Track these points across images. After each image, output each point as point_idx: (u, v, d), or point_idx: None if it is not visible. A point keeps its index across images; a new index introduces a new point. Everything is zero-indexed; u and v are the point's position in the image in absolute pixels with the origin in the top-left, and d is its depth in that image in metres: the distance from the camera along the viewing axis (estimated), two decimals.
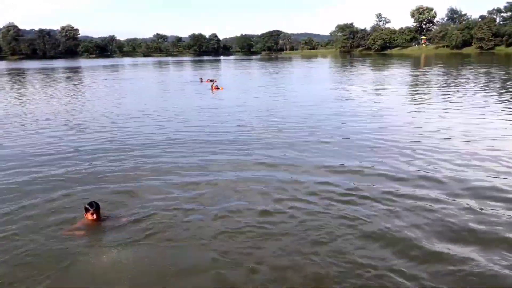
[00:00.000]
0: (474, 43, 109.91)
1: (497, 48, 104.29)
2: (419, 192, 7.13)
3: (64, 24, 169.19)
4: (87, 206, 6.02)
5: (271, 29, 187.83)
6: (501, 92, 21.36)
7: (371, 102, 19.29)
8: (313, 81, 33.46)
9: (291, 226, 5.97)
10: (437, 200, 6.74)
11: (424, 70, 43.00)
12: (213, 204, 6.79)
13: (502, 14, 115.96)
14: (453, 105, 17.25)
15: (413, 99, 20.57)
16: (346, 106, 17.91)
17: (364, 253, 5.14)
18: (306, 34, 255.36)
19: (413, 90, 24.78)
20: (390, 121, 13.98)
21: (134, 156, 9.96)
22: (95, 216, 5.99)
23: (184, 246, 5.51)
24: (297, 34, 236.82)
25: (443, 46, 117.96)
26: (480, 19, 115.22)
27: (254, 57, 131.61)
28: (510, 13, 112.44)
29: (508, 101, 18.04)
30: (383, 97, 21.41)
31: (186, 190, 7.52)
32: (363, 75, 39.06)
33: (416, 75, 35.95)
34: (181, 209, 6.61)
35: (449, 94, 21.29)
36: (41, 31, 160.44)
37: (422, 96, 21.06)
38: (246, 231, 5.82)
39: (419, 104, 18.41)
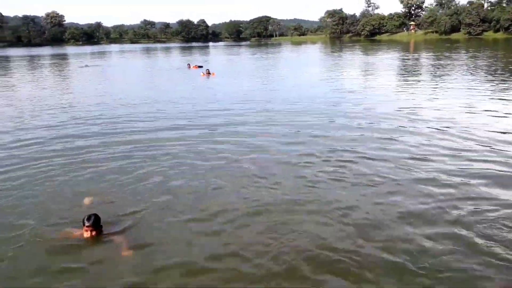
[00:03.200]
0: (463, 29, 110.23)
1: (485, 33, 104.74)
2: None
3: (49, 10, 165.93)
4: (84, 219, 5.10)
5: (260, 15, 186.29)
6: (489, 77, 21.43)
7: (363, 85, 19.35)
8: (304, 65, 33.27)
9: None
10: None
11: (415, 55, 43.02)
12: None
13: (489, 0, 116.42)
14: (441, 87, 17.40)
15: (403, 82, 20.65)
16: (341, 88, 18.02)
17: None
18: (295, 20, 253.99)
19: (403, 74, 24.82)
20: (382, 99, 14.07)
21: (131, 148, 9.13)
22: (89, 233, 5.06)
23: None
24: (287, 20, 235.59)
25: (432, 32, 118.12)
26: (468, 5, 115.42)
27: (243, 43, 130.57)
28: None
29: (496, 85, 18.14)
30: (375, 82, 21.42)
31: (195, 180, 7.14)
32: (355, 60, 38.99)
33: (407, 60, 35.97)
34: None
35: (437, 78, 21.35)
36: (25, 17, 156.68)
37: (412, 79, 21.15)
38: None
39: (409, 86, 18.48)
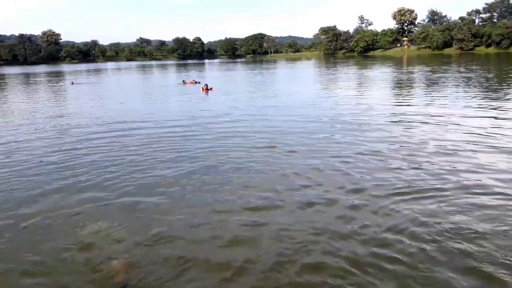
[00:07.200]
0: (455, 44, 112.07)
1: (477, 48, 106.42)
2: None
3: (45, 29, 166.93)
4: None
5: (255, 33, 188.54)
6: (480, 90, 21.65)
7: (358, 98, 19.45)
8: (301, 82, 33.48)
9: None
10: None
11: (407, 69, 43.46)
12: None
13: (481, 16, 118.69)
14: (432, 100, 17.55)
15: (396, 94, 20.82)
16: (338, 102, 18.23)
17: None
18: (290, 37, 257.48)
19: (396, 88, 25.03)
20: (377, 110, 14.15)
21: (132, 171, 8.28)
22: None
23: None
24: (281, 37, 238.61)
25: (425, 47, 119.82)
26: (460, 21, 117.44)
27: (239, 60, 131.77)
28: (489, 14, 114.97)
29: (489, 98, 18.32)
30: (369, 94, 21.57)
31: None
32: (349, 75, 39.31)
33: (399, 74, 36.32)
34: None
35: (429, 92, 21.55)
36: (21, 36, 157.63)
37: (404, 92, 21.37)
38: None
39: (402, 98, 18.64)
